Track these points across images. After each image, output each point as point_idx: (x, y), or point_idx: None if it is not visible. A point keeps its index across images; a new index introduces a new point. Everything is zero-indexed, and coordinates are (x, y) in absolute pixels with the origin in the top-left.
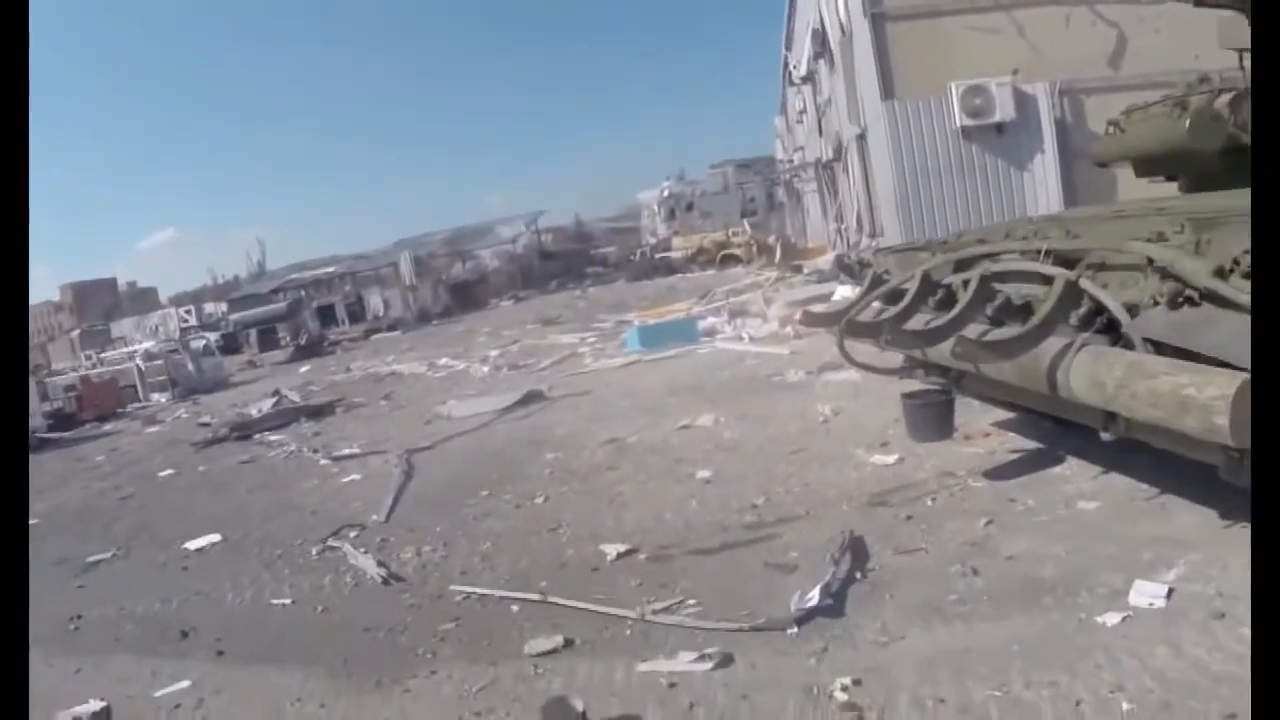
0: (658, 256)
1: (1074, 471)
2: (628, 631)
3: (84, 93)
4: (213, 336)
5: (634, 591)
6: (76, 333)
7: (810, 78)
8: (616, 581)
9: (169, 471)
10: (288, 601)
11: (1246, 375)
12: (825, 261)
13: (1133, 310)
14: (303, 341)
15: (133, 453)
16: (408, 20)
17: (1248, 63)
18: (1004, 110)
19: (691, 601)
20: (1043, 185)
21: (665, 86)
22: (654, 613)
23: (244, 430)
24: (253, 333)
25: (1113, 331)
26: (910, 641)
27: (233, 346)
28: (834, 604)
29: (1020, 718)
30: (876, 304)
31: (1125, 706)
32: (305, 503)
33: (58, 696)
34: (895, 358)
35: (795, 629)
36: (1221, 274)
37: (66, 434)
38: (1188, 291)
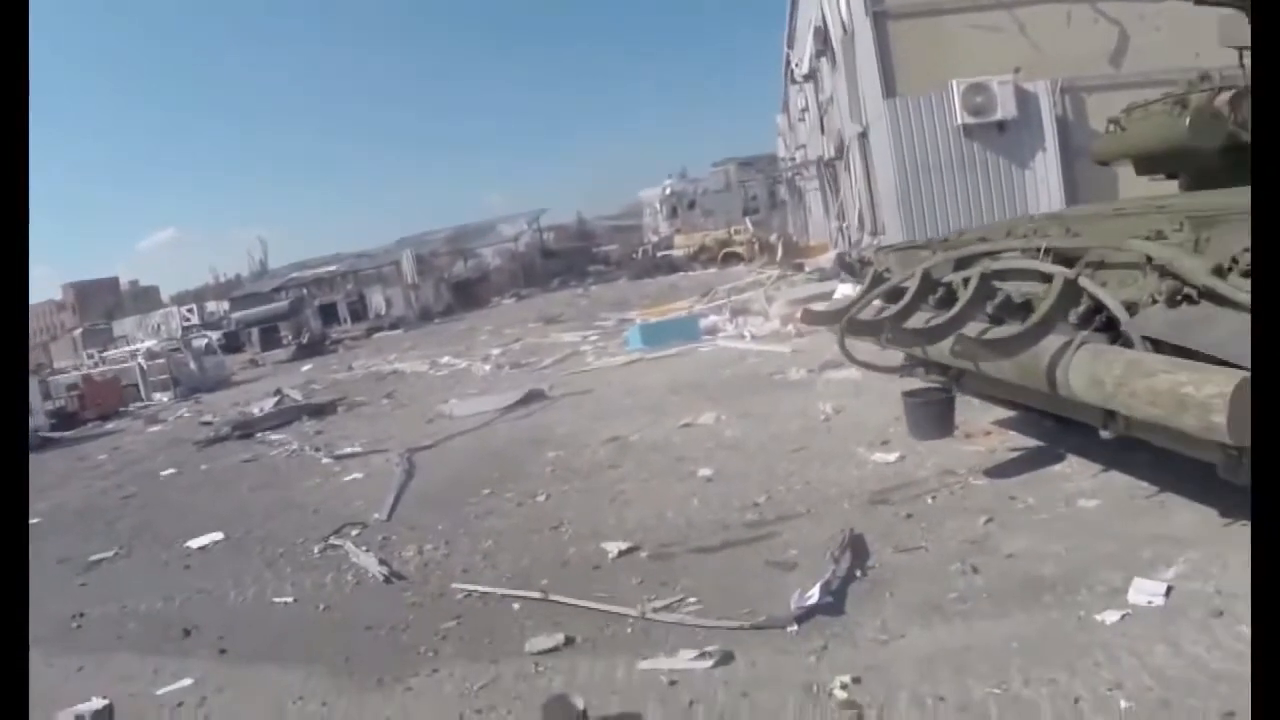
0: (659, 255)
1: (1074, 470)
2: (629, 629)
3: (84, 93)
4: (215, 335)
5: (635, 589)
6: (78, 332)
7: (812, 75)
8: (618, 579)
9: (171, 470)
10: (290, 600)
11: (1244, 373)
12: (827, 259)
13: (1132, 308)
14: (305, 340)
15: (135, 451)
16: (408, 20)
17: (1248, 61)
18: (1005, 108)
19: (692, 599)
20: (1044, 183)
21: (667, 85)
22: (655, 610)
23: (246, 429)
24: (255, 331)
25: (1112, 329)
26: (910, 639)
27: (235, 345)
28: (834, 602)
29: (1019, 715)
30: (877, 302)
31: (1124, 704)
32: (307, 501)
33: (60, 694)
34: (896, 356)
35: (795, 627)
36: (1220, 272)
37: (69, 433)
38: (1186, 289)
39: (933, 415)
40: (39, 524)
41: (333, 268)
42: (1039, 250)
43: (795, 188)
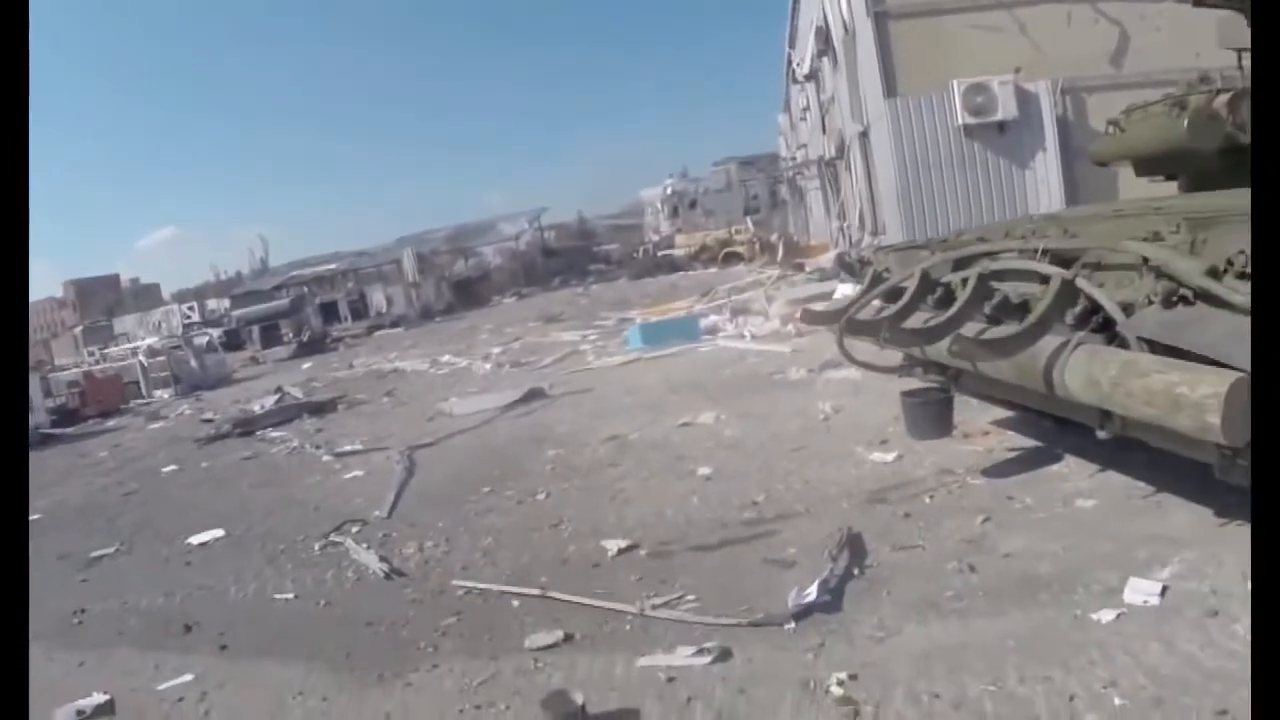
0: (660, 254)
1: (1071, 470)
2: (627, 626)
3: (84, 93)
4: (215, 333)
5: (634, 587)
6: (79, 329)
7: (813, 75)
8: (617, 577)
9: (172, 467)
10: (290, 596)
11: (1239, 374)
12: (827, 259)
13: (1128, 309)
14: (305, 338)
15: (136, 449)
16: (408, 20)
17: (1247, 62)
18: (1006, 108)
19: (691, 597)
20: (1044, 184)
21: (668, 84)
22: (654, 608)
23: (246, 426)
24: (255, 329)
25: (1108, 330)
26: (906, 637)
27: (235, 343)
28: (831, 600)
29: (1014, 712)
30: (876, 302)
31: (1118, 702)
32: (308, 498)
33: (61, 689)
34: (895, 356)
35: (793, 624)
36: (1215, 274)
37: (69, 430)
38: (1182, 291)
39: (931, 415)
40: (39, 520)
41: (333, 266)
42: (1037, 251)
43: (796, 187)
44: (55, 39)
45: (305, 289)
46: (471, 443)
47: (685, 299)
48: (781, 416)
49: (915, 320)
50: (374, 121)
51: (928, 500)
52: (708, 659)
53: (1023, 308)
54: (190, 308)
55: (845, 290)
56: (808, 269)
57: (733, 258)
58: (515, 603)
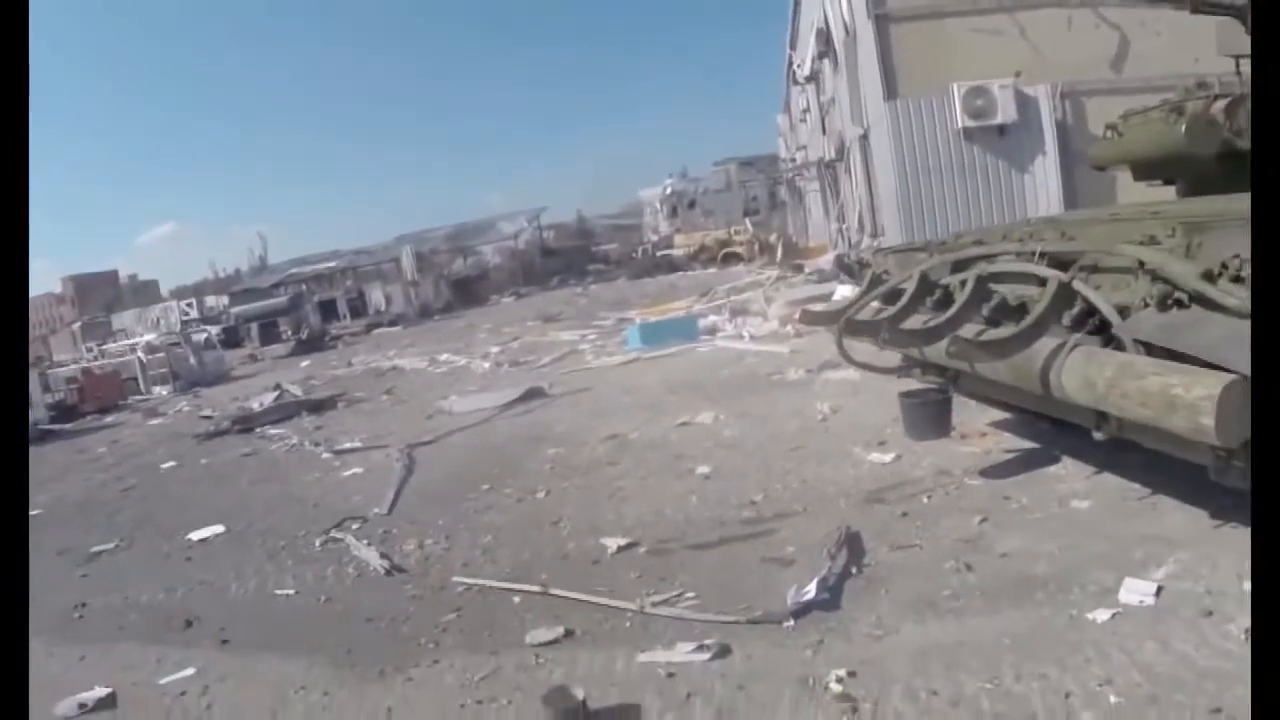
0: (659, 254)
1: (1068, 471)
2: (627, 623)
3: (84, 93)
4: (214, 330)
5: (634, 584)
6: (78, 325)
7: (814, 77)
8: (617, 574)
9: (171, 463)
10: (291, 592)
11: (1233, 376)
12: (826, 261)
13: (1124, 312)
14: (304, 336)
15: (134, 445)
16: (408, 20)
17: (1245, 68)
18: (1006, 112)
19: (690, 594)
20: (1043, 187)
21: (667, 84)
22: (653, 605)
23: (245, 423)
24: (254, 327)
25: (1105, 332)
26: (904, 635)
27: (234, 340)
28: (830, 598)
29: (1011, 709)
30: (875, 303)
31: (1113, 699)
32: (307, 495)
33: (62, 684)
34: (893, 357)
35: (791, 622)
36: (1210, 277)
37: (68, 426)
38: (1177, 294)
39: (929, 416)
40: (39, 516)
41: (332, 264)
42: (1034, 254)
43: (795, 189)
44: (55, 39)
45: (304, 287)
46: (471, 441)
47: (684, 299)
48: (780, 416)
49: (914, 321)
50: (374, 121)
51: (925, 500)
52: (707, 655)
53: (1020, 310)
54: (189, 304)
55: (844, 291)
56: (806, 270)
57: (732, 258)
58: (516, 599)
